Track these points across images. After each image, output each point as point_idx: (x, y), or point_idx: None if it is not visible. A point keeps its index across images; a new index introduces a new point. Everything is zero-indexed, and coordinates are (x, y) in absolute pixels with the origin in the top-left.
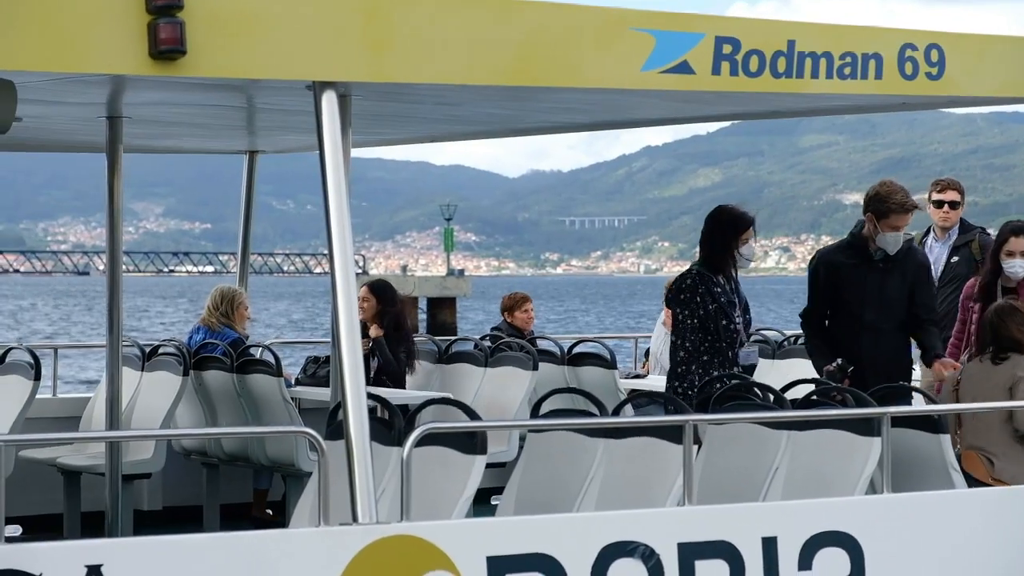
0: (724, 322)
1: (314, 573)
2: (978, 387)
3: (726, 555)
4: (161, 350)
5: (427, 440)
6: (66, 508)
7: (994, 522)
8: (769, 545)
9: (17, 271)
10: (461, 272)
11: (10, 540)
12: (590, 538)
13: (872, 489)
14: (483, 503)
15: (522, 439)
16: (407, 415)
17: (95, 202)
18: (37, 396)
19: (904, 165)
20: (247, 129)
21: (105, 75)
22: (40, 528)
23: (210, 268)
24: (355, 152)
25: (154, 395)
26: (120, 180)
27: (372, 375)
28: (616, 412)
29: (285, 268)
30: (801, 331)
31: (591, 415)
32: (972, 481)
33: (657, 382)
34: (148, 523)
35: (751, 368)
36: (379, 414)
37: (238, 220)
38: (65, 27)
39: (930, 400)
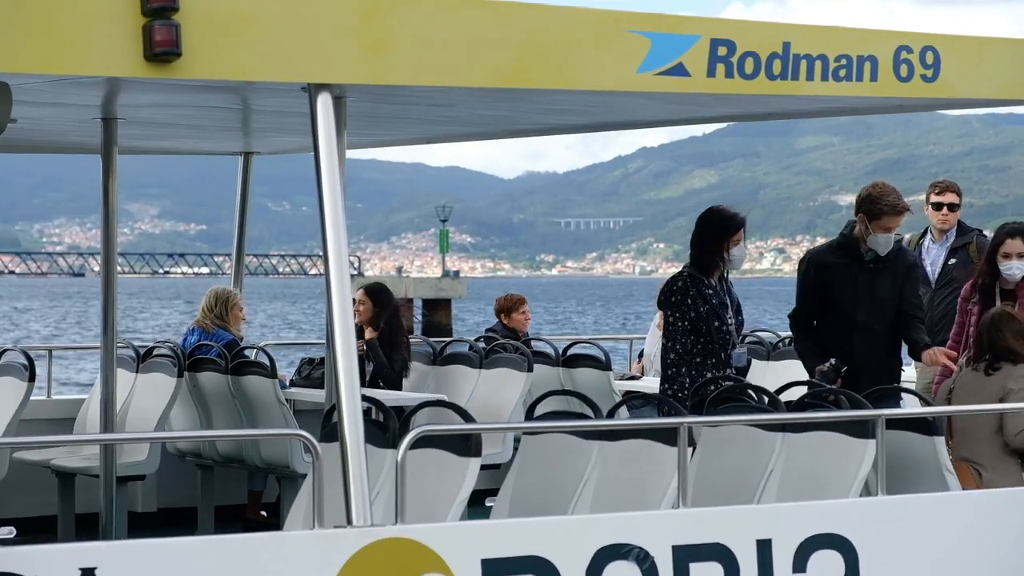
0: (716, 324)
1: None
2: (970, 397)
3: (721, 557)
4: (156, 352)
5: (422, 442)
6: (60, 510)
7: (988, 524)
8: (764, 547)
9: (12, 272)
10: (456, 273)
11: (3, 543)
12: (585, 540)
13: (867, 491)
14: (478, 505)
15: (517, 441)
16: (402, 417)
17: (90, 203)
18: (32, 398)
19: (900, 166)
20: (242, 131)
21: (100, 77)
22: (34, 530)
23: (205, 269)
24: (350, 153)
25: (149, 397)
26: (115, 181)
27: (367, 378)
28: (611, 414)
29: (280, 269)
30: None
31: (586, 417)
32: None
33: (652, 384)
34: (142, 525)
35: (743, 370)
36: (374, 416)
37: (233, 221)
38: (61, 29)
39: (925, 402)
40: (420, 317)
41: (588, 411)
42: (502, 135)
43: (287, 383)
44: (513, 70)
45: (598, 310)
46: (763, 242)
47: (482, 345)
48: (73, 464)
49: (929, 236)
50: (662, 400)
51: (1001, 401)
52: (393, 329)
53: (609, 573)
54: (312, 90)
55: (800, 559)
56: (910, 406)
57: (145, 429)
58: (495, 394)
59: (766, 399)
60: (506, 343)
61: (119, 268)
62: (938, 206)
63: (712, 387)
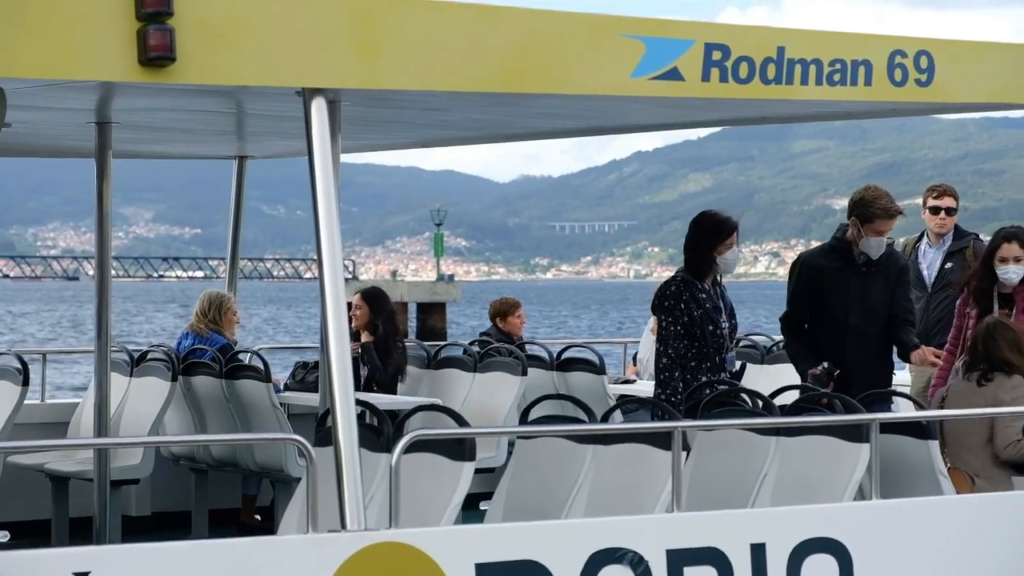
0: (710, 328)
1: None
2: (962, 407)
3: (715, 562)
4: (150, 356)
5: (416, 446)
6: (54, 514)
7: (982, 528)
8: (758, 552)
9: (7, 276)
10: (451, 277)
11: None
12: (579, 545)
13: (861, 495)
14: (472, 509)
15: (511, 444)
16: (396, 421)
17: (85, 207)
18: (25, 402)
19: (894, 170)
20: (236, 135)
21: (95, 81)
22: (28, 534)
23: (200, 273)
24: (345, 157)
25: (142, 401)
26: (109, 186)
27: (362, 382)
28: (605, 418)
29: (275, 273)
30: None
31: (580, 421)
32: None
33: (646, 388)
34: (136, 529)
35: (735, 374)
36: (368, 420)
37: (228, 225)
38: (55, 34)
39: (919, 406)
40: (415, 321)
41: (582, 415)
42: (497, 139)
43: (281, 387)
44: (507, 74)
45: (593, 314)
46: (758, 246)
47: (476, 349)
48: (67, 468)
49: (926, 240)
50: (656, 404)
51: None
52: (388, 333)
53: None
54: (306, 94)
55: (794, 563)
56: (904, 410)
57: (139, 433)
58: (489, 398)
59: (760, 403)
60: (500, 347)
61: (113, 272)
62: (936, 210)
63: (708, 391)
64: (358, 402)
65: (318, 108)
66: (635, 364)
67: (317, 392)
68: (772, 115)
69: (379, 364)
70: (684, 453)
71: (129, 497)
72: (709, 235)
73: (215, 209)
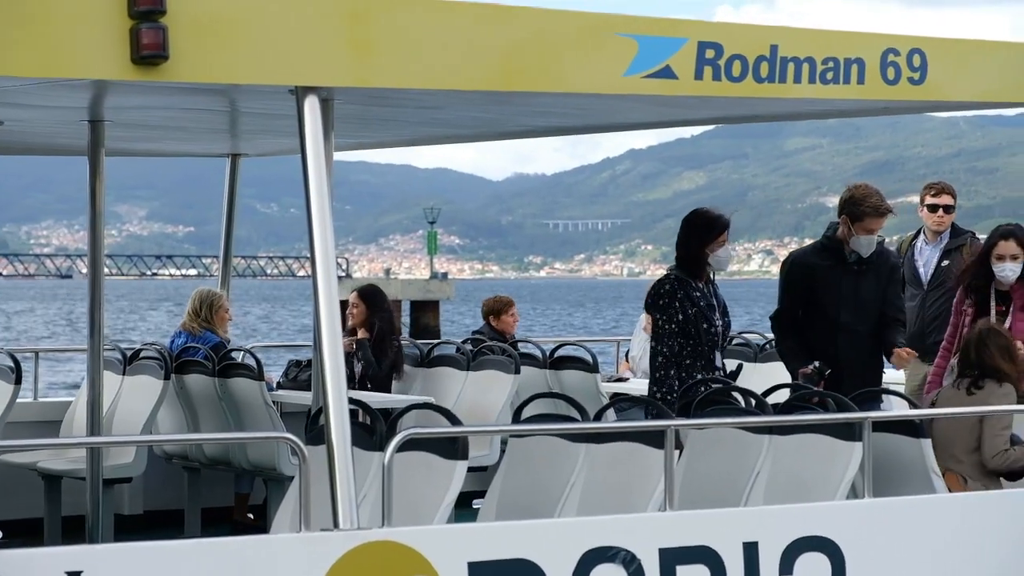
0: (704, 326)
1: None
2: (946, 419)
3: (707, 560)
4: (142, 354)
5: (409, 445)
6: (46, 512)
7: (975, 526)
8: (750, 550)
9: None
10: (444, 275)
11: None
12: (571, 543)
13: (853, 494)
14: (465, 507)
15: (504, 443)
16: (389, 420)
17: (78, 205)
18: (18, 400)
19: (888, 168)
20: (229, 133)
21: (87, 80)
22: (20, 532)
23: (193, 271)
24: (339, 155)
25: (135, 399)
26: (102, 184)
27: (356, 379)
28: (598, 417)
29: (268, 271)
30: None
31: (573, 420)
32: None
33: (639, 386)
34: (129, 527)
35: (732, 375)
36: (360, 419)
37: (221, 223)
38: (48, 32)
39: (912, 405)
40: (408, 319)
41: (575, 413)
42: (490, 137)
43: (274, 385)
44: (501, 73)
45: (587, 312)
46: (751, 244)
47: (469, 347)
48: (59, 467)
49: (922, 237)
50: (649, 403)
51: (980, 422)
52: (385, 332)
53: None
54: (299, 93)
55: (787, 562)
56: (897, 408)
57: (132, 432)
58: (482, 396)
59: (753, 401)
60: (493, 345)
61: (107, 270)
62: (934, 208)
63: (703, 388)
64: (351, 400)
65: (311, 106)
66: (627, 362)
67: (310, 390)
68: (765, 113)
69: (373, 361)
70: (677, 452)
71: (122, 496)
72: (701, 233)
73: (208, 207)
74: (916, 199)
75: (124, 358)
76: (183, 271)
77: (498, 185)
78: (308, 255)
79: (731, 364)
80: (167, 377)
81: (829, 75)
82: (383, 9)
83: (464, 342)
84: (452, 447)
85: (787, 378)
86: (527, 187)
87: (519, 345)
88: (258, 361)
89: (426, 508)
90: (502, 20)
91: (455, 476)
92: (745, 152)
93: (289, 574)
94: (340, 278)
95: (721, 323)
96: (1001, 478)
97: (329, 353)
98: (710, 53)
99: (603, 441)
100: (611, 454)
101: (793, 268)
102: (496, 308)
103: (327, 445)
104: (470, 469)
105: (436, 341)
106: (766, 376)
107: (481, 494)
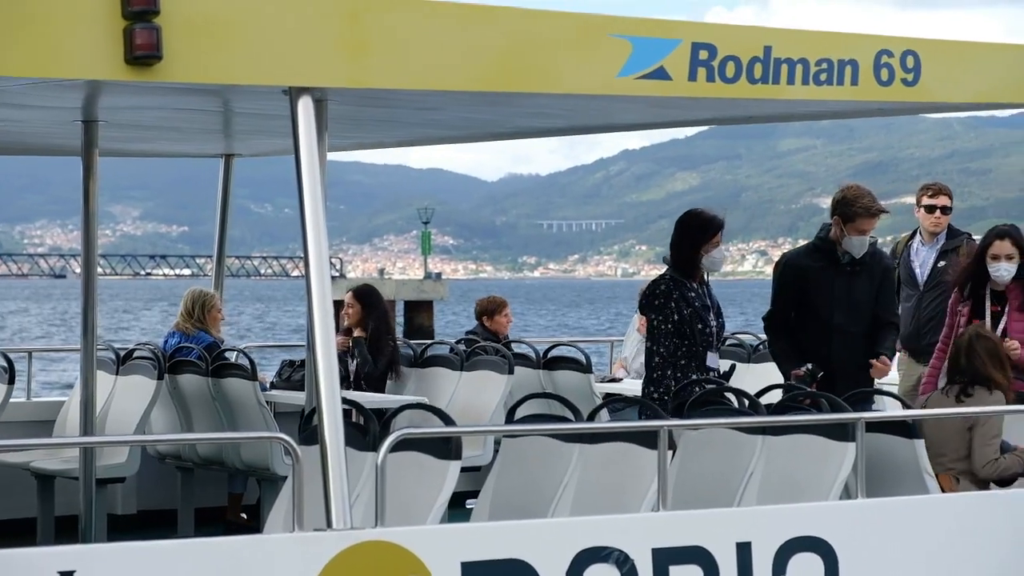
0: (699, 326)
1: None
2: (939, 422)
3: (700, 560)
4: (136, 354)
5: (402, 445)
6: (40, 512)
7: (968, 527)
8: (743, 550)
9: None
10: (438, 275)
11: None
12: (564, 543)
13: (846, 494)
14: (458, 507)
15: (497, 443)
16: (382, 420)
17: (72, 205)
18: (11, 400)
19: (881, 169)
20: (223, 133)
21: (81, 80)
22: (13, 532)
23: (187, 271)
24: (333, 155)
25: (128, 399)
26: (96, 184)
27: (351, 377)
28: (591, 417)
29: (262, 271)
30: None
31: (566, 420)
32: None
33: (633, 386)
34: (122, 527)
35: (725, 375)
36: (354, 419)
37: (215, 223)
38: (41, 32)
39: (905, 405)
40: (402, 319)
41: (568, 414)
42: (484, 138)
43: (267, 385)
44: (495, 74)
45: (582, 312)
46: (745, 244)
47: (463, 347)
48: (53, 466)
49: (919, 238)
50: (643, 403)
51: (969, 431)
52: (381, 332)
53: None
54: (293, 93)
55: (780, 562)
56: (891, 409)
57: (125, 431)
58: (476, 396)
59: (746, 402)
60: (487, 345)
61: (100, 270)
62: (931, 209)
63: (697, 388)
64: (344, 401)
65: (305, 107)
66: (621, 362)
67: (303, 391)
68: (759, 114)
69: (369, 359)
70: (670, 452)
71: (115, 496)
72: (694, 234)
73: (202, 207)
74: (910, 200)
75: (117, 358)
76: (177, 271)
77: (492, 185)
78: (302, 255)
79: (724, 364)
80: (160, 377)
81: (823, 76)
82: (377, 10)
83: (458, 342)
84: (445, 447)
85: (780, 378)
86: (521, 187)
87: (512, 345)
88: (252, 361)
89: (419, 508)
90: (496, 21)
91: (448, 476)
92: (739, 153)
93: (282, 574)
94: (334, 278)
95: (716, 324)
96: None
97: (322, 353)
98: (704, 54)
99: (596, 441)
100: (604, 454)
101: (786, 270)
102: (490, 308)
103: (320, 445)
104: (463, 469)
105: (430, 342)
106: (759, 377)
107: (474, 494)
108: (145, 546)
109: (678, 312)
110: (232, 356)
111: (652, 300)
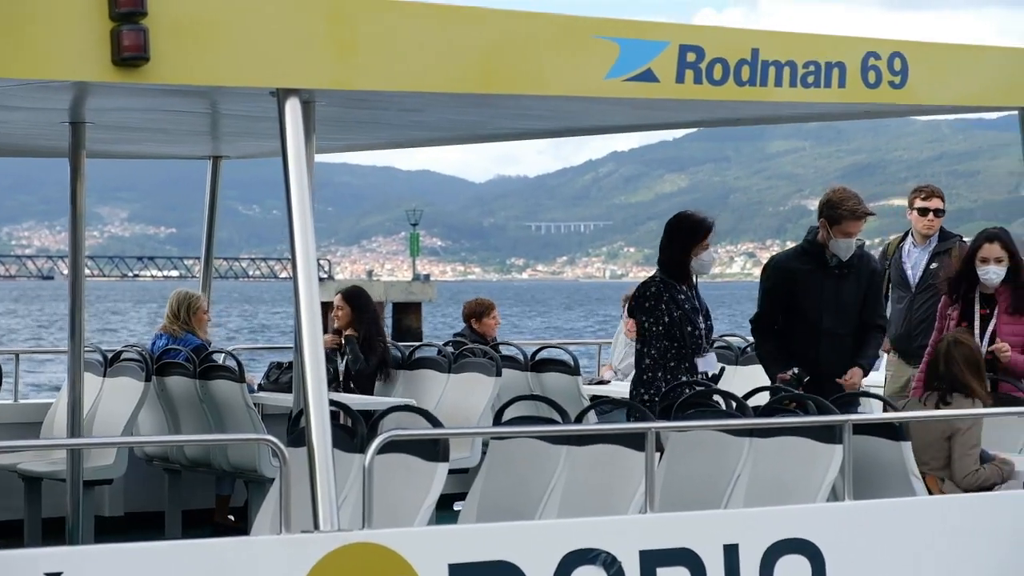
0: (689, 328)
1: None
2: (918, 431)
3: (688, 562)
4: (123, 356)
5: (389, 447)
6: (27, 514)
7: (955, 529)
8: (731, 552)
9: None
10: (427, 277)
11: None
12: (552, 545)
13: (834, 496)
14: (445, 509)
15: (485, 445)
16: (369, 422)
17: (60, 206)
18: None
19: (869, 171)
20: (211, 135)
21: (68, 81)
22: (0, 534)
23: (175, 273)
24: (322, 157)
25: (116, 401)
26: (83, 185)
27: (341, 377)
28: (579, 419)
29: (250, 273)
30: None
31: (554, 422)
32: None
33: (620, 388)
34: (109, 529)
35: (715, 377)
36: (341, 420)
37: (203, 225)
38: (28, 33)
39: (892, 408)
40: (391, 321)
41: (556, 416)
42: (472, 140)
43: (255, 387)
44: (482, 75)
45: (574, 314)
46: (733, 246)
47: (451, 350)
48: (40, 468)
49: (911, 239)
50: (630, 405)
51: (948, 440)
52: (371, 333)
53: None
54: (281, 95)
55: (767, 564)
56: (878, 411)
57: (112, 433)
58: (464, 399)
59: (734, 404)
60: (475, 347)
61: (88, 271)
62: (924, 211)
63: (687, 390)
64: (332, 402)
65: (292, 108)
66: (609, 364)
67: (291, 392)
68: (746, 116)
69: (360, 355)
70: (658, 454)
71: (102, 497)
72: (684, 237)
73: (190, 208)
74: (898, 202)
75: (105, 360)
76: (165, 272)
77: (480, 187)
78: (290, 257)
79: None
80: (148, 379)
81: (810, 79)
82: (364, 12)
83: (446, 344)
84: (433, 449)
85: (767, 381)
86: (509, 189)
87: (500, 347)
88: (239, 363)
89: (407, 510)
90: (483, 23)
91: (436, 478)
92: (727, 155)
93: (270, 575)
94: (322, 280)
95: (704, 326)
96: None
97: (310, 355)
98: (691, 56)
99: (584, 443)
100: (592, 456)
101: (774, 272)
102: (478, 311)
103: (308, 447)
104: (451, 471)
105: (417, 344)
106: (747, 379)
107: (462, 496)
108: (132, 548)
109: (668, 314)
110: (219, 358)
111: (642, 302)
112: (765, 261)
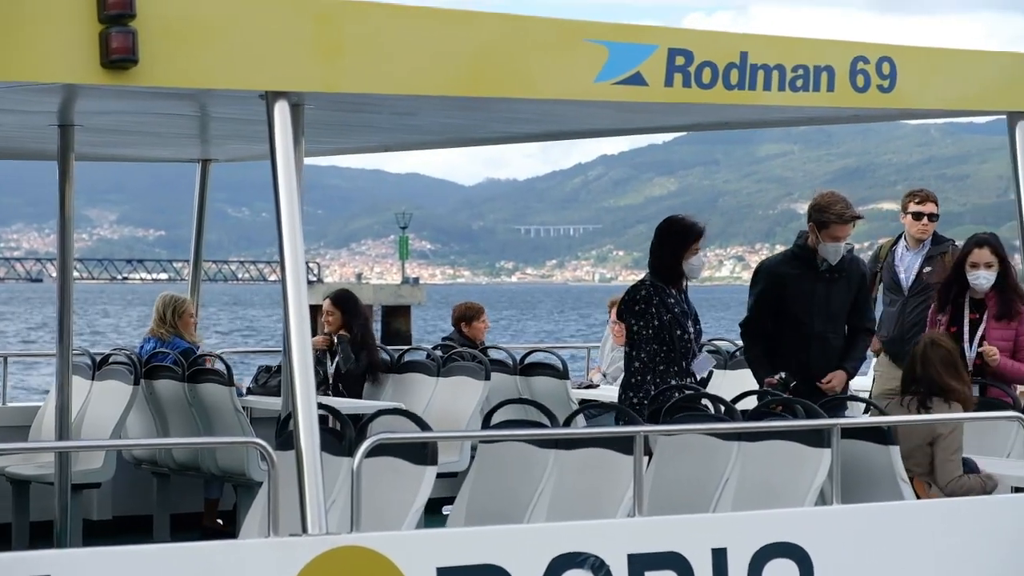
0: (678, 332)
1: None
2: (905, 433)
3: (676, 566)
4: (112, 359)
5: (378, 450)
6: (14, 517)
7: (942, 533)
8: (719, 556)
9: None
10: (416, 280)
11: None
12: (540, 549)
13: (822, 500)
14: (434, 513)
15: (474, 449)
16: (358, 425)
17: (49, 209)
18: None
19: (859, 175)
20: (200, 138)
21: (56, 84)
22: None
23: (164, 275)
24: (311, 159)
25: (104, 404)
26: (72, 188)
27: (330, 378)
28: (567, 423)
29: (240, 275)
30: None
31: (543, 426)
32: None
33: (609, 392)
34: (98, 533)
35: (704, 380)
36: (330, 424)
37: (192, 228)
38: (16, 35)
39: (879, 412)
40: (380, 324)
41: (545, 420)
42: (461, 143)
43: (244, 391)
44: (471, 79)
45: (567, 318)
46: (722, 250)
47: (439, 353)
48: (28, 472)
49: (903, 243)
50: (619, 408)
51: (930, 445)
52: (362, 336)
53: None
54: (270, 98)
55: (755, 568)
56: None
57: (101, 437)
58: (452, 402)
59: (722, 408)
60: (464, 351)
61: (77, 274)
62: (918, 215)
63: (676, 394)
64: (320, 406)
65: (281, 111)
66: (598, 367)
67: (279, 396)
68: (735, 120)
69: (351, 355)
70: (646, 458)
71: (90, 501)
72: (675, 241)
73: (179, 211)
74: (887, 206)
75: (93, 363)
76: (154, 275)
77: (469, 190)
78: (279, 260)
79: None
80: (136, 382)
81: (799, 82)
82: (354, 14)
83: (435, 348)
84: (421, 452)
85: (756, 385)
86: (499, 192)
87: (489, 351)
88: (228, 366)
89: (395, 514)
90: (472, 26)
91: (424, 482)
92: (716, 158)
93: None
94: (311, 283)
95: (693, 330)
96: None
97: (298, 358)
98: (680, 60)
99: (573, 447)
100: (580, 460)
101: (764, 277)
102: (467, 315)
103: (296, 450)
104: (439, 475)
105: (406, 347)
106: (736, 383)
107: (451, 500)
108: (120, 551)
109: (658, 318)
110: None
111: (632, 306)
112: (754, 265)
